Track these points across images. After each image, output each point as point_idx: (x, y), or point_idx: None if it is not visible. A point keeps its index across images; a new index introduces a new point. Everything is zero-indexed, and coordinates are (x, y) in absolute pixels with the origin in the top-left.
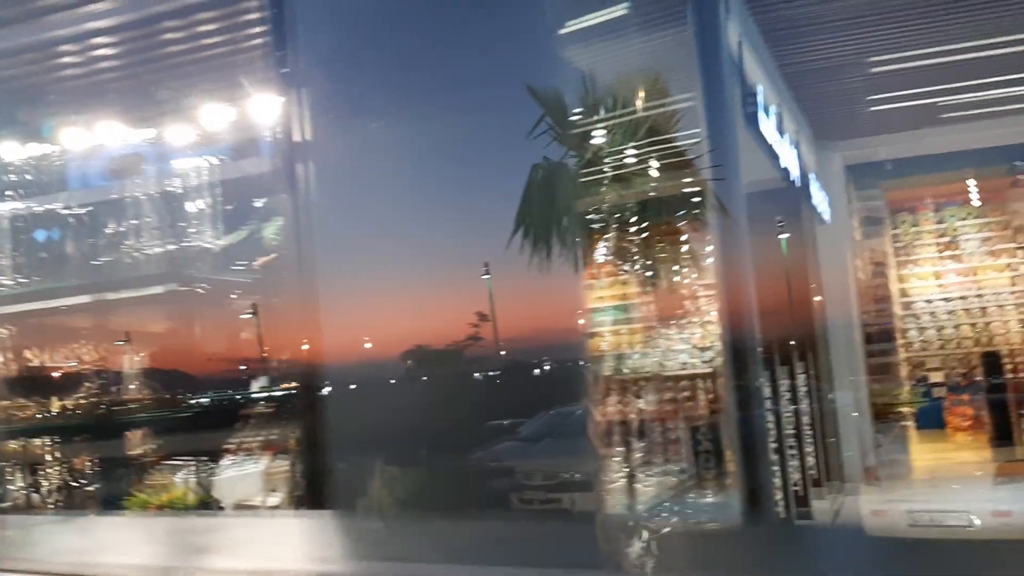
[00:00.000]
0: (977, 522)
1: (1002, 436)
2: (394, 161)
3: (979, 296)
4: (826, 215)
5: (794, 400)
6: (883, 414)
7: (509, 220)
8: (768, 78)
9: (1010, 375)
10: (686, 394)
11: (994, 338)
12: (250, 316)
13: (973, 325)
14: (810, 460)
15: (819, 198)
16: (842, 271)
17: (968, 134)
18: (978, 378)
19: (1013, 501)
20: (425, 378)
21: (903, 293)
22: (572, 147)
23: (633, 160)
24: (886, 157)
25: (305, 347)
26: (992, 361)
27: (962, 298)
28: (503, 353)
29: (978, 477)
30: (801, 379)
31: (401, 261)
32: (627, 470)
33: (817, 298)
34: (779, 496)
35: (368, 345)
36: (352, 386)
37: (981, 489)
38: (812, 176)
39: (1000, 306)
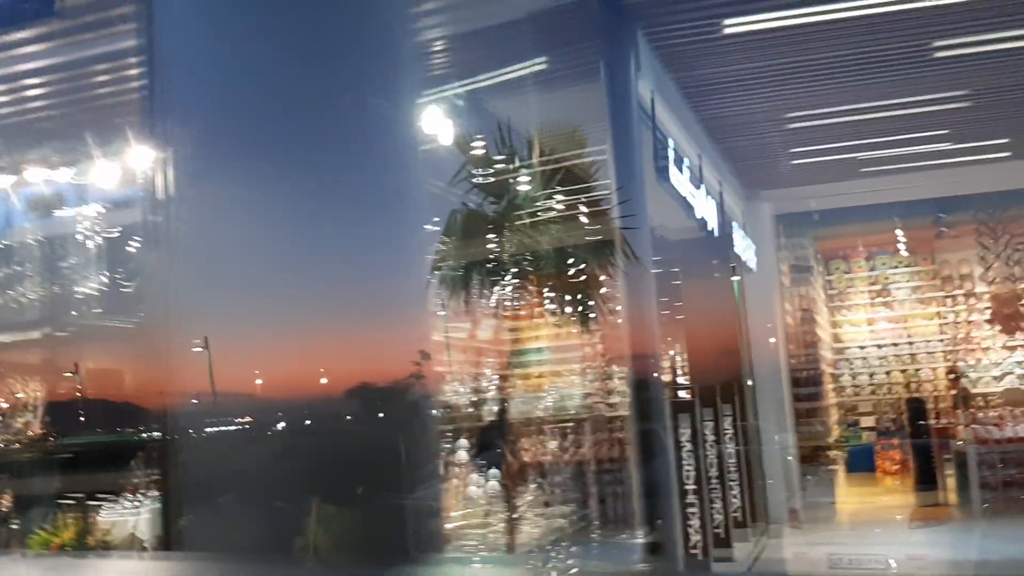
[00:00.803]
0: (894, 565)
1: (925, 481)
2: (260, 218)
3: (909, 343)
4: (752, 263)
5: (718, 443)
6: (812, 458)
7: (378, 270)
8: (687, 132)
9: (934, 421)
10: (593, 437)
11: (923, 384)
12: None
13: (904, 371)
14: (735, 502)
15: (743, 246)
16: (770, 317)
17: (893, 187)
18: (905, 424)
19: (927, 545)
20: (282, 424)
21: (836, 338)
22: (490, 193)
23: (546, 208)
24: (814, 207)
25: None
26: (917, 407)
27: (893, 344)
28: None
29: (898, 521)
30: (727, 422)
31: (264, 313)
32: (535, 512)
33: (744, 343)
34: (697, 538)
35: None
36: (206, 431)
37: (899, 533)
38: (736, 225)
39: (929, 353)
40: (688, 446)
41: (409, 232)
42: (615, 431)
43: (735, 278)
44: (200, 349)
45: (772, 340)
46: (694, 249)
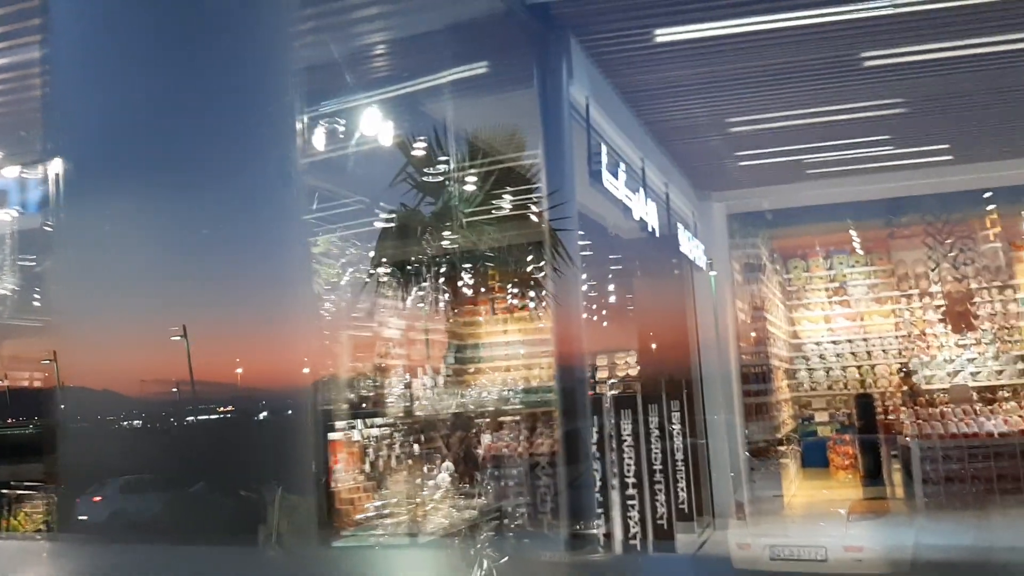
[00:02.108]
0: (831, 556)
1: (871, 475)
2: (148, 227)
3: (864, 339)
4: (701, 261)
5: (662, 438)
6: (763, 452)
7: (264, 276)
8: (630, 136)
9: (884, 417)
10: (526, 432)
11: (878, 380)
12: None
13: (859, 368)
14: (682, 495)
15: (690, 246)
16: (723, 314)
17: (840, 188)
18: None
19: (865, 537)
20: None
21: (793, 335)
22: (429, 194)
23: (479, 209)
24: (766, 208)
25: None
26: (865, 403)
27: (849, 341)
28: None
29: (842, 514)
30: (675, 417)
31: (148, 315)
32: (470, 502)
33: (695, 339)
34: (636, 529)
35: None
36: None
37: (841, 526)
38: (682, 226)
39: (884, 350)
40: (629, 440)
41: (292, 238)
42: (552, 426)
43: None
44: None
45: (724, 336)
46: (647, 248)
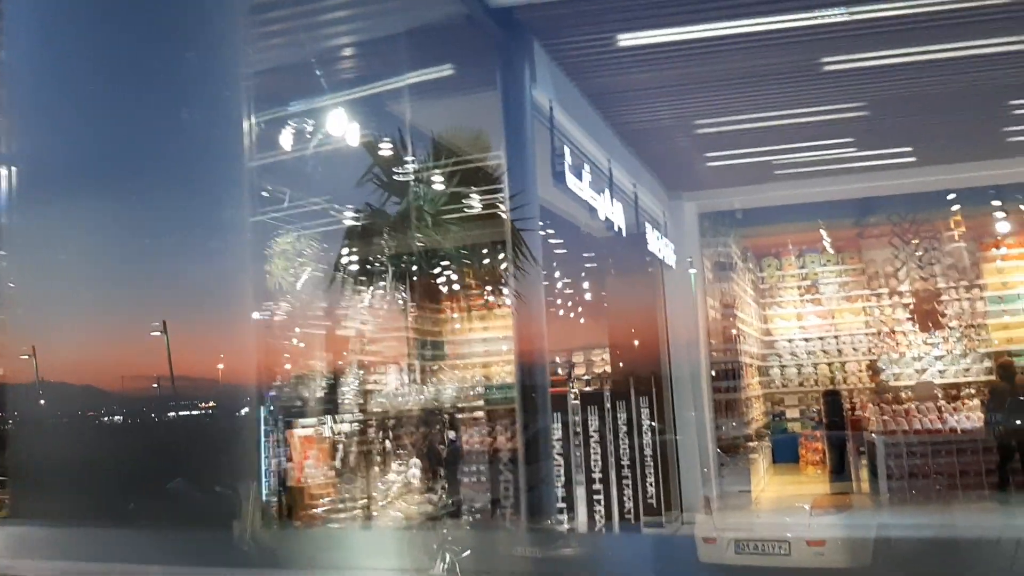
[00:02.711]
0: (794, 550)
1: (838, 470)
2: (96, 230)
3: (835, 337)
4: (671, 260)
5: (630, 434)
6: (733, 448)
7: (211, 280)
8: (596, 138)
9: (852, 413)
10: (488, 428)
11: (848, 377)
12: None
13: (829, 364)
14: (651, 490)
15: (660, 245)
16: (693, 312)
17: (814, 188)
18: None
19: (827, 531)
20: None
21: (766, 332)
22: (394, 193)
23: (443, 209)
24: (737, 207)
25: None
26: (833, 399)
27: (820, 339)
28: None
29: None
30: (644, 413)
31: (95, 317)
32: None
33: (665, 337)
34: (601, 522)
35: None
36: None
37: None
38: (650, 225)
39: (855, 348)
40: (596, 436)
41: (244, 238)
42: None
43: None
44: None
45: (694, 334)
46: (618, 247)
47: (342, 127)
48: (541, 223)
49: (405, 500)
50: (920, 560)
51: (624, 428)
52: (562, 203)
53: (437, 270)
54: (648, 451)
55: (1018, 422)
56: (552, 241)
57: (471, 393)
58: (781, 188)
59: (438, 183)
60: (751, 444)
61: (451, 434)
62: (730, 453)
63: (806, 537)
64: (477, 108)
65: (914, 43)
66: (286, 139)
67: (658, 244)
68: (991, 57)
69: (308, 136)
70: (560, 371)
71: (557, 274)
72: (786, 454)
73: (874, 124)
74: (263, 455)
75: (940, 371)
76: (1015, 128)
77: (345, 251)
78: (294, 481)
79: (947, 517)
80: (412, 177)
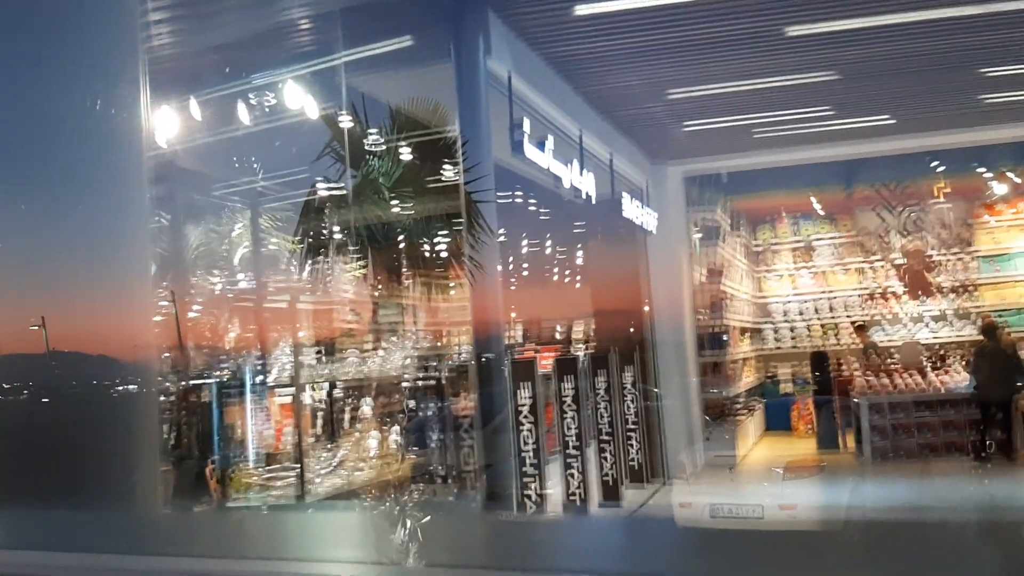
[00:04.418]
0: (767, 514)
1: (825, 433)
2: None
3: (830, 299)
4: (651, 226)
5: (609, 400)
6: (720, 413)
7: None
8: (565, 107)
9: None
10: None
11: (840, 340)
12: None
13: (823, 326)
14: (634, 455)
15: (639, 212)
16: (678, 277)
17: (798, 152)
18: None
19: (799, 496)
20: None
21: (758, 297)
22: (352, 167)
23: (400, 181)
24: (722, 172)
25: None
26: (819, 360)
27: (813, 301)
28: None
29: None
30: (628, 379)
31: None
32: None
33: (645, 304)
34: (577, 488)
35: None
36: None
37: (793, 484)
38: (629, 192)
39: (846, 309)
40: (571, 403)
41: (136, 221)
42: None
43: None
44: None
45: (680, 299)
46: (597, 215)
47: (293, 101)
48: (520, 192)
49: (365, 465)
50: (887, 523)
51: (603, 394)
52: (540, 172)
53: (396, 242)
54: (631, 416)
55: (1000, 380)
56: (533, 209)
57: (430, 363)
58: (764, 154)
59: (392, 156)
60: (738, 408)
61: (410, 403)
62: (718, 418)
63: (779, 501)
64: (433, 81)
65: (885, 8)
66: (240, 114)
67: (637, 211)
68: (963, 20)
69: (267, 110)
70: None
71: (548, 242)
72: (778, 417)
73: (851, 89)
74: (249, 423)
75: (932, 332)
76: (991, 94)
77: (305, 225)
78: (273, 449)
79: (926, 481)
80: (367, 151)
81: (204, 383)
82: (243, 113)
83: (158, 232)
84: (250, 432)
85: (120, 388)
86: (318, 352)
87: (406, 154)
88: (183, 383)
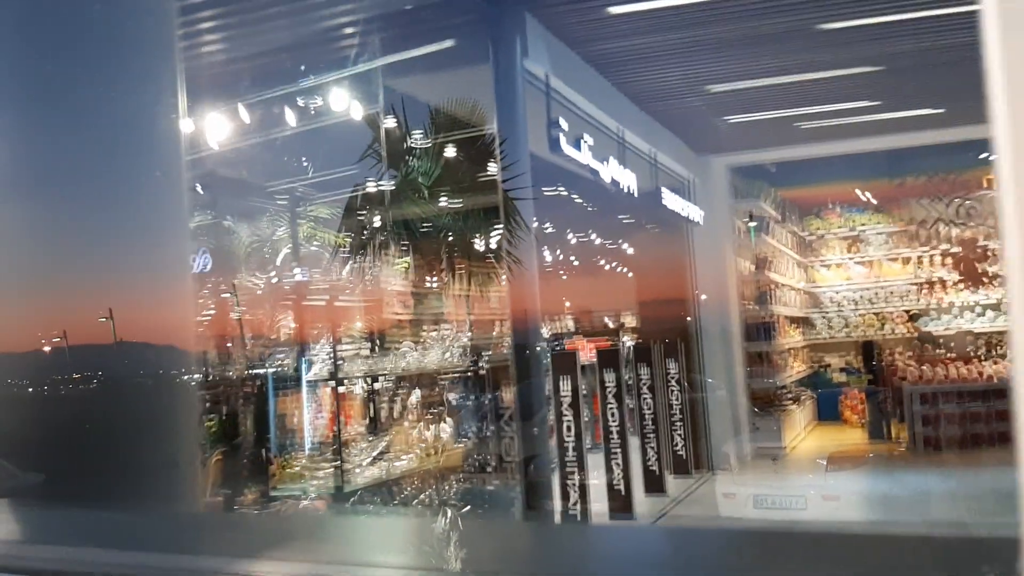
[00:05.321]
0: (810, 505)
1: (874, 422)
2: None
3: (879, 290)
4: (699, 218)
5: (652, 392)
6: (768, 403)
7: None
8: (605, 104)
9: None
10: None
11: (894, 329)
12: None
13: (877, 315)
14: (678, 445)
15: (682, 204)
16: (724, 268)
17: (845, 143)
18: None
19: (842, 486)
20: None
21: (808, 286)
22: (393, 167)
23: (441, 180)
24: (769, 162)
25: None
26: (868, 349)
27: (863, 290)
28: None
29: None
30: (673, 371)
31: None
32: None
33: (691, 295)
34: (620, 480)
35: None
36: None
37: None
38: (670, 186)
39: (900, 298)
40: (614, 394)
41: (175, 223)
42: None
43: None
44: None
45: (726, 290)
46: (640, 208)
47: (337, 105)
48: (568, 186)
49: (409, 456)
50: (927, 516)
51: (648, 384)
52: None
53: (437, 238)
54: (676, 407)
55: None
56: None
57: (475, 355)
58: (809, 146)
59: (433, 156)
60: (787, 398)
61: (451, 395)
62: (765, 408)
63: (823, 492)
64: (472, 83)
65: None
66: (289, 117)
67: (681, 203)
68: None
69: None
70: (612, 326)
71: (594, 234)
72: (829, 407)
73: (898, 82)
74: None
75: (985, 320)
76: None
77: (349, 222)
78: (324, 438)
79: (972, 472)
80: (408, 151)
81: (259, 373)
82: (287, 116)
83: (213, 229)
84: (306, 421)
85: (183, 377)
86: (371, 344)
87: (446, 153)
88: (240, 373)
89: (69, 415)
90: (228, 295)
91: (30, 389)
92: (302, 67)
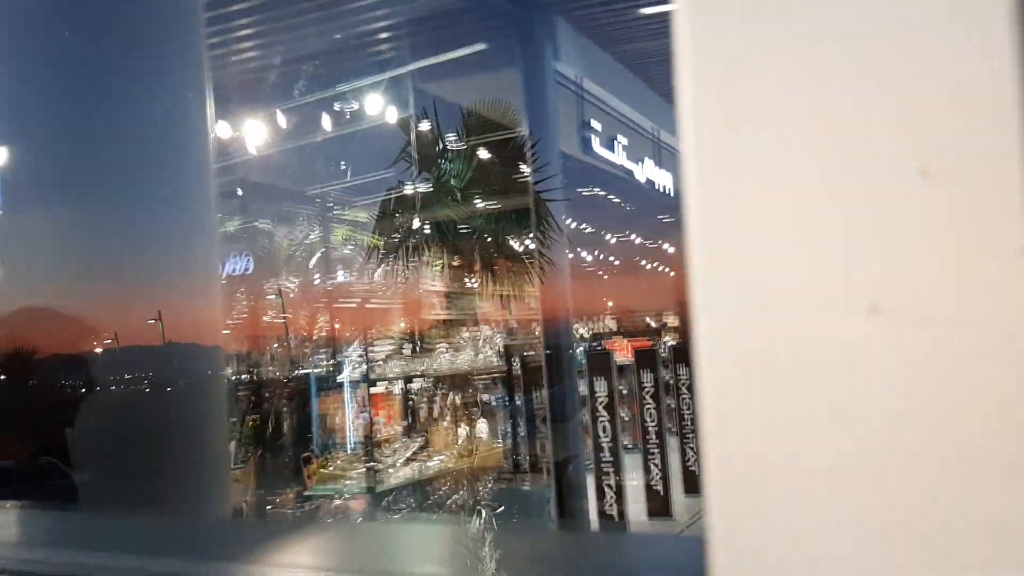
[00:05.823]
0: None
1: None
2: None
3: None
4: None
5: (692, 391)
6: None
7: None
8: (640, 104)
9: None
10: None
11: None
12: None
13: None
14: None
15: None
16: None
17: None
18: None
19: None
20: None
21: None
22: (425, 170)
23: (473, 182)
24: None
25: None
26: None
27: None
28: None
29: None
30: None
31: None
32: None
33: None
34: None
35: None
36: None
37: None
38: None
39: None
40: (651, 395)
41: (205, 227)
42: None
43: None
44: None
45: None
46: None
47: (371, 109)
48: (607, 186)
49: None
50: None
51: (686, 385)
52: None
53: (470, 240)
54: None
55: None
56: (615, 202)
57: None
58: None
59: (466, 158)
60: None
61: (484, 396)
62: None
63: None
64: (503, 86)
65: None
66: (325, 122)
67: None
68: None
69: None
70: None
71: (633, 235)
72: None
73: None
74: (348, 414)
75: None
76: None
77: (384, 225)
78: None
79: None
80: (440, 154)
81: (302, 374)
82: (323, 121)
83: (254, 233)
84: (348, 422)
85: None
86: (411, 345)
87: (478, 155)
88: (284, 374)
89: (118, 415)
90: (273, 297)
91: (83, 389)
92: (336, 73)
